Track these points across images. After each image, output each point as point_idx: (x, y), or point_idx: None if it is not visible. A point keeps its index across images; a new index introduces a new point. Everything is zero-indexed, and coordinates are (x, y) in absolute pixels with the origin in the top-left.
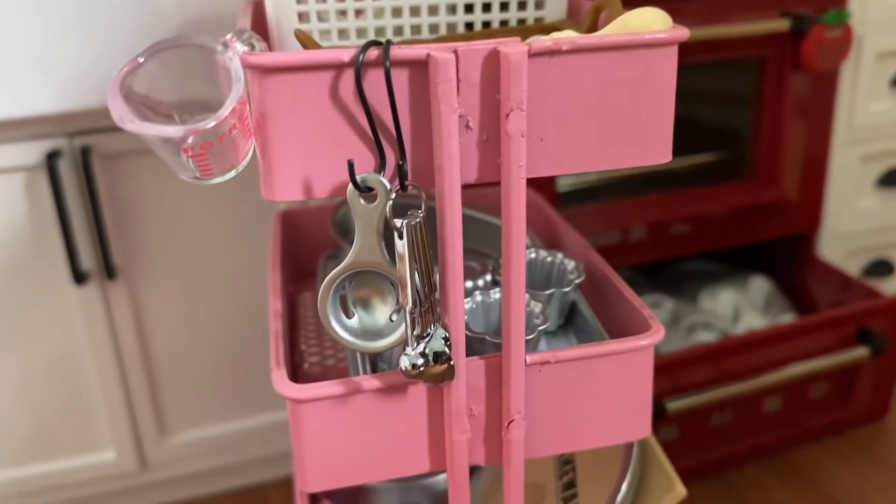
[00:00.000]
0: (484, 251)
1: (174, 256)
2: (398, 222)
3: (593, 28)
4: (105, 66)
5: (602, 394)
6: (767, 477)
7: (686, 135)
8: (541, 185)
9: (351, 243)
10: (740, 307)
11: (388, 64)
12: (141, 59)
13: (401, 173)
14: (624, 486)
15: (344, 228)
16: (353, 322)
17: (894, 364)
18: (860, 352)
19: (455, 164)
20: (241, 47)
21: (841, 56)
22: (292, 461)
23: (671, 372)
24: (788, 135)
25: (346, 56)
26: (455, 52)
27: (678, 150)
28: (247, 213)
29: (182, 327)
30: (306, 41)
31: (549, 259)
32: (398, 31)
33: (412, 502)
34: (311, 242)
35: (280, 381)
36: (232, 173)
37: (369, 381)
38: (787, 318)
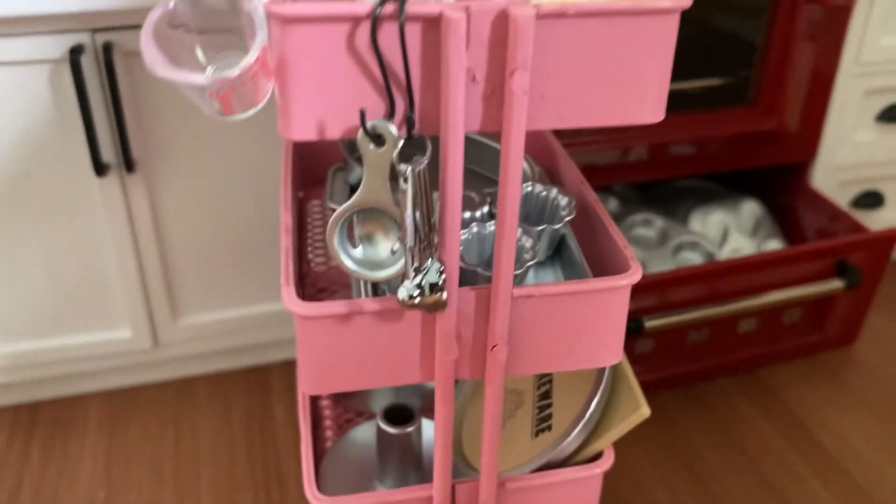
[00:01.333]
0: (486, 174)
1: (191, 152)
2: (404, 167)
3: None
4: None
5: (579, 325)
6: (735, 391)
7: (694, 58)
8: None
9: (358, 159)
10: (729, 229)
11: (402, 19)
12: (171, 4)
13: (409, 124)
14: (593, 404)
15: (352, 145)
16: (358, 253)
17: (868, 295)
18: (836, 284)
19: (460, 117)
20: None
21: None
22: (295, 347)
23: (652, 291)
24: (795, 65)
25: (363, 10)
26: (467, 10)
27: (685, 72)
28: (263, 116)
29: (196, 219)
30: None
31: (543, 194)
32: None
33: (403, 399)
34: (322, 151)
35: (290, 298)
36: (252, 111)
37: (370, 304)
38: (774, 243)
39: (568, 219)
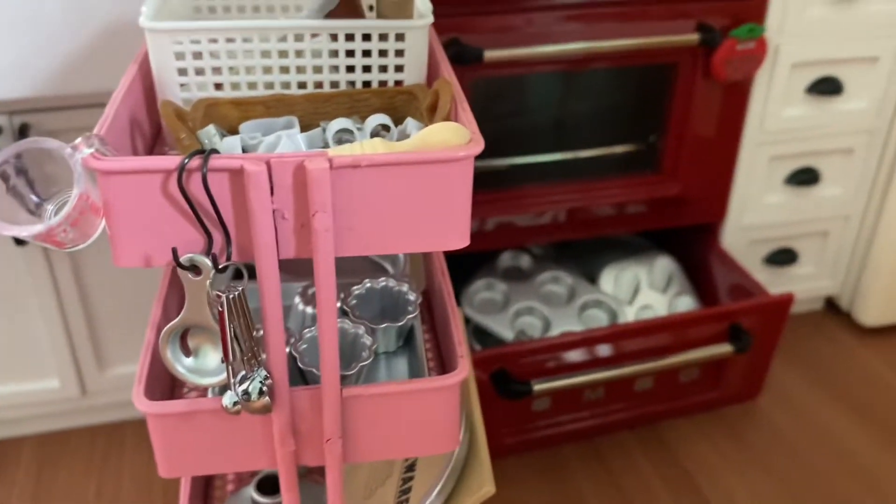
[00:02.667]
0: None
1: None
2: (220, 295)
3: (434, 105)
4: (36, 61)
5: (410, 419)
6: (634, 446)
7: (605, 127)
8: None
9: None
10: (641, 284)
11: (205, 171)
12: (6, 156)
13: (227, 256)
14: (441, 481)
15: None
16: (190, 362)
17: (763, 354)
18: (726, 348)
19: (270, 249)
20: (87, 150)
21: (753, 67)
22: None
23: (543, 354)
24: (695, 135)
25: (171, 164)
26: (268, 163)
27: (600, 140)
28: None
29: (117, 280)
30: (170, 119)
31: (395, 289)
32: (269, 85)
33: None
34: None
35: (137, 398)
36: (87, 242)
37: (208, 403)
38: (685, 299)
39: (412, 315)
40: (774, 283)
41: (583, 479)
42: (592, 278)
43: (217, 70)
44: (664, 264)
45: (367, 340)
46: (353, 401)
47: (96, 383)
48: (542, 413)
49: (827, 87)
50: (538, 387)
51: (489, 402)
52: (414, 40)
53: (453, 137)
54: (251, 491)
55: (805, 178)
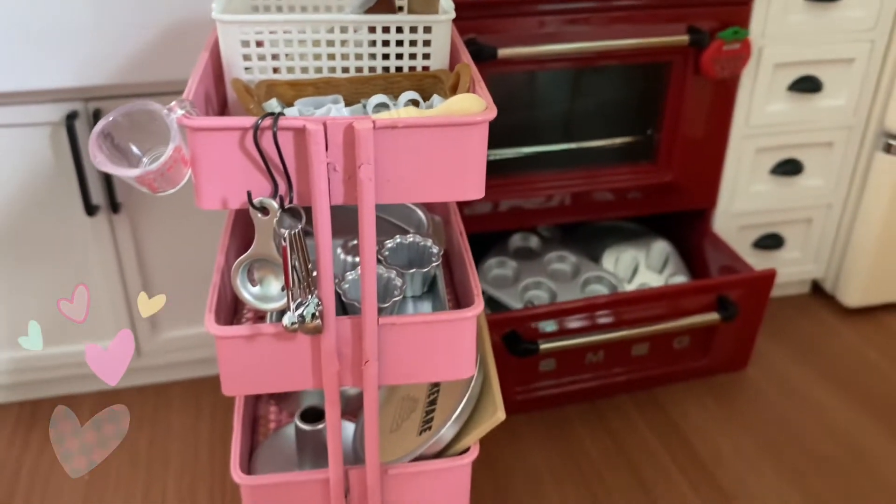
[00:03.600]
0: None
1: (167, 197)
2: (283, 231)
3: (455, 85)
4: (111, 52)
5: (434, 346)
6: (631, 408)
7: (607, 121)
8: None
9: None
10: (639, 265)
11: (275, 129)
12: (110, 117)
13: (282, 203)
14: (458, 409)
15: None
16: (256, 290)
17: (749, 325)
18: (713, 316)
19: (324, 196)
20: (179, 111)
21: (739, 66)
22: None
23: (552, 318)
24: (687, 128)
25: (248, 123)
26: (324, 124)
27: (598, 133)
28: None
29: (173, 248)
30: (240, 91)
31: (421, 244)
32: (318, 70)
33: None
34: None
35: (209, 323)
36: (175, 188)
37: (268, 328)
38: (680, 279)
39: (435, 264)
40: (763, 266)
41: (585, 436)
42: (595, 260)
43: (275, 56)
44: (661, 247)
45: (398, 282)
46: (388, 329)
47: (149, 345)
48: (548, 374)
49: (807, 85)
50: (544, 346)
51: (501, 362)
52: (439, 32)
53: (472, 106)
54: (296, 420)
55: (789, 168)
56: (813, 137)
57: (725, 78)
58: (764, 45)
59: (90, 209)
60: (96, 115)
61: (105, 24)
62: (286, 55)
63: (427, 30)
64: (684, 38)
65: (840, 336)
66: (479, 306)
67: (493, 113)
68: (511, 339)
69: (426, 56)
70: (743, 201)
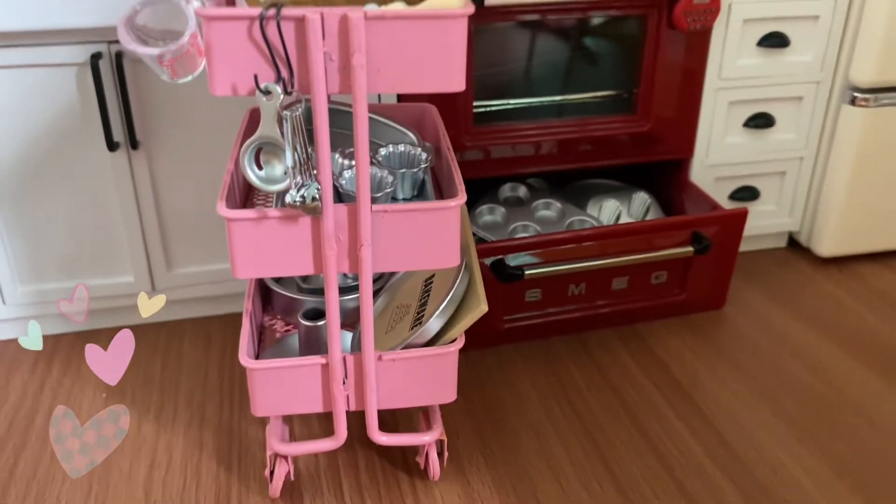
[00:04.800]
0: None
1: (182, 134)
2: (285, 113)
3: None
4: None
5: (422, 235)
6: (615, 341)
7: (591, 75)
8: (456, 108)
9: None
10: (621, 213)
11: (279, 18)
12: (137, 7)
13: (284, 87)
14: (444, 303)
15: None
16: (261, 172)
17: (724, 262)
18: (688, 249)
19: (321, 82)
20: (196, 3)
21: (709, 20)
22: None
23: (536, 248)
24: (664, 80)
25: (255, 12)
26: (321, 14)
27: (584, 86)
28: (231, 108)
29: (187, 187)
30: None
31: (411, 151)
32: None
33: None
34: None
35: (221, 207)
36: (191, 76)
37: (273, 212)
38: None
39: (423, 166)
40: None
41: (570, 362)
42: (580, 209)
43: None
44: (642, 197)
45: (390, 179)
46: (380, 216)
47: (164, 280)
48: (534, 304)
49: (775, 41)
50: (529, 272)
51: (489, 289)
52: None
53: (452, 2)
54: (299, 318)
55: (761, 122)
56: (783, 92)
57: (697, 31)
58: (733, 2)
59: (111, 145)
60: (118, 57)
61: None
62: None
63: None
64: None
65: (814, 282)
66: (461, 198)
67: (471, 9)
68: (498, 265)
69: None
70: (718, 153)
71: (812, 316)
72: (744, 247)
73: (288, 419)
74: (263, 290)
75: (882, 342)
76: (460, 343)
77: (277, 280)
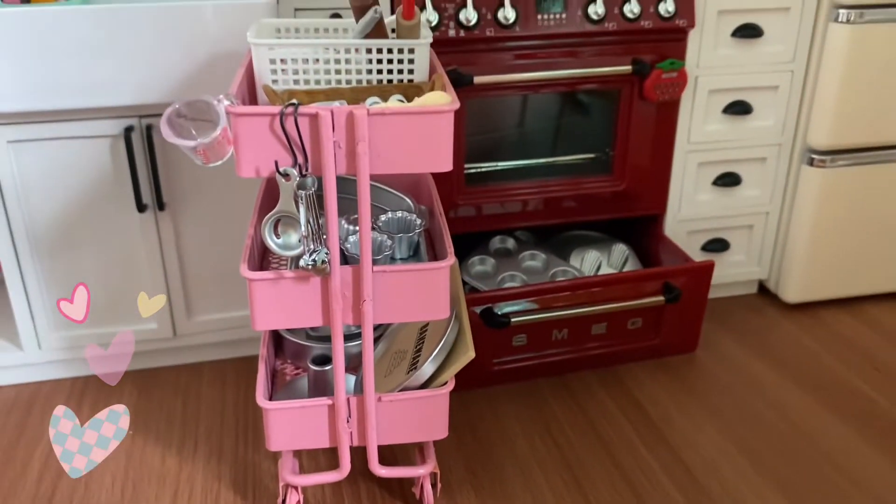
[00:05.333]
0: (380, 206)
1: (203, 197)
2: (300, 192)
3: (432, 89)
4: (162, 77)
5: (416, 291)
6: (595, 382)
7: (571, 139)
8: (450, 171)
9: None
10: (602, 264)
11: (296, 117)
12: (177, 105)
13: (300, 171)
14: (436, 351)
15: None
16: (280, 240)
17: (694, 309)
18: (659, 299)
19: (331, 166)
20: (226, 102)
21: (677, 92)
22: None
23: (521, 298)
24: (635, 145)
25: (276, 110)
26: (332, 111)
27: (564, 149)
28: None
29: (207, 243)
30: (269, 93)
31: (407, 217)
32: (328, 81)
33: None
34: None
35: (243, 268)
36: (220, 161)
37: (288, 273)
38: None
39: (418, 230)
40: None
41: (554, 404)
42: (563, 260)
43: (295, 71)
44: (620, 249)
45: (389, 242)
46: (380, 276)
47: (185, 327)
48: (521, 348)
49: (739, 108)
50: (515, 319)
51: (479, 334)
52: (420, 53)
53: (441, 100)
54: (308, 364)
55: (728, 180)
56: (747, 153)
57: (666, 101)
58: (699, 74)
59: (140, 207)
60: (149, 130)
61: (158, 55)
62: (303, 70)
63: (411, 51)
64: (628, 67)
65: (781, 327)
66: (450, 260)
67: (456, 105)
68: (487, 313)
69: (410, 71)
70: (690, 209)
71: (777, 358)
72: (716, 293)
73: (298, 454)
74: (276, 338)
75: (839, 382)
76: (450, 386)
77: (289, 329)
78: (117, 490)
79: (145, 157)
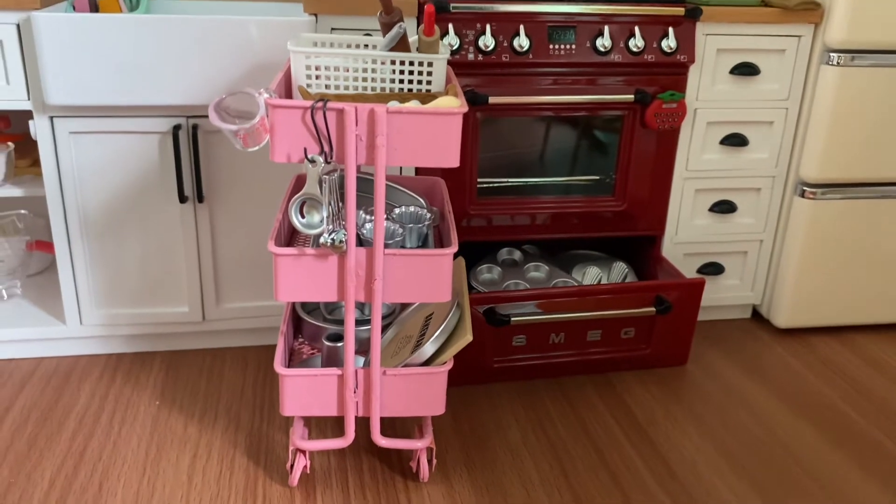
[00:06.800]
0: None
1: (239, 192)
2: (324, 177)
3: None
4: (209, 82)
5: (422, 275)
6: (588, 385)
7: (581, 162)
8: (463, 182)
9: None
10: (602, 280)
11: (325, 111)
12: (223, 96)
13: (325, 158)
14: (438, 331)
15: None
16: (304, 220)
17: (685, 323)
18: (650, 309)
19: (352, 157)
20: (266, 95)
21: (676, 121)
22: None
23: (524, 301)
24: (636, 169)
25: (307, 104)
26: (356, 108)
27: (569, 171)
28: (279, 174)
29: (240, 235)
30: (303, 92)
31: (419, 212)
32: (356, 88)
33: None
34: None
35: (270, 244)
36: (257, 147)
37: (309, 251)
38: None
39: (427, 223)
40: (707, 290)
41: (548, 402)
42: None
43: (327, 77)
44: (620, 267)
45: (400, 231)
46: (390, 258)
47: (213, 313)
48: (520, 348)
49: (735, 140)
50: (515, 319)
51: (481, 333)
52: (438, 66)
53: (453, 103)
54: (323, 340)
55: (724, 208)
56: (743, 183)
57: (666, 130)
58: (698, 107)
59: (182, 198)
60: (195, 129)
61: (206, 63)
62: (334, 77)
63: (430, 64)
64: (630, 96)
65: (770, 349)
66: (453, 248)
67: (465, 108)
68: (490, 312)
69: (429, 82)
70: (686, 232)
71: (763, 375)
72: (711, 315)
73: (308, 425)
74: (296, 320)
75: (820, 400)
76: (449, 365)
77: (308, 311)
78: (142, 450)
79: (189, 153)
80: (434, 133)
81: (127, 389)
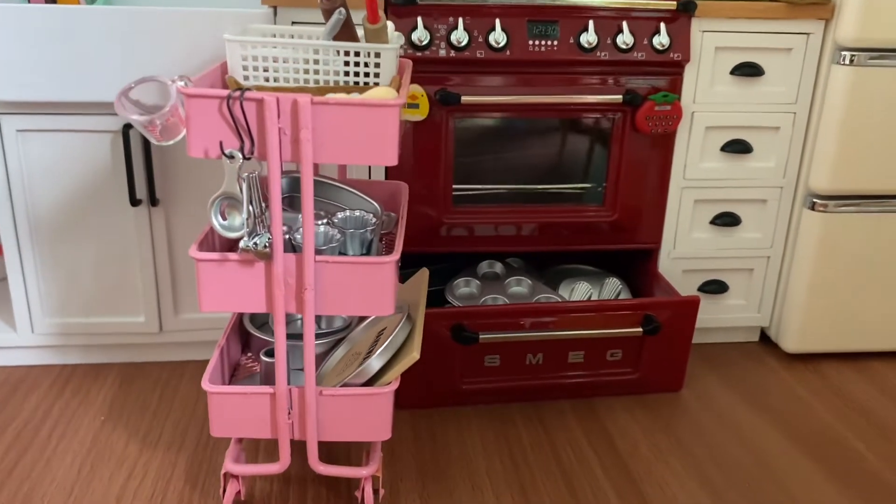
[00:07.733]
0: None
1: (194, 194)
2: (243, 175)
3: (395, 90)
4: None
5: (360, 285)
6: (568, 411)
7: (568, 170)
8: (437, 189)
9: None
10: (592, 297)
11: (242, 101)
12: (132, 84)
13: (245, 154)
14: (381, 348)
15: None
16: (225, 222)
17: (678, 346)
18: (637, 329)
19: (276, 151)
20: (179, 83)
21: (671, 125)
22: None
23: (493, 318)
24: (627, 176)
25: (224, 94)
26: (277, 98)
27: (554, 178)
28: None
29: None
30: (231, 83)
31: (364, 216)
32: (296, 80)
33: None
34: None
35: (193, 249)
36: (173, 141)
37: (232, 256)
38: None
39: (371, 228)
40: (710, 310)
41: (522, 427)
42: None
43: (265, 69)
44: (614, 283)
45: (338, 236)
46: (322, 266)
47: (171, 323)
48: (493, 369)
49: (738, 147)
50: (484, 337)
51: (449, 351)
52: (387, 57)
53: (387, 95)
54: (261, 356)
55: (727, 220)
56: (747, 194)
57: (660, 134)
58: (695, 110)
59: (134, 201)
60: None
61: (159, 56)
62: (273, 69)
63: (377, 55)
64: (619, 97)
65: (776, 375)
66: (395, 256)
67: (401, 101)
68: (457, 329)
69: (377, 75)
70: (685, 246)
71: (765, 405)
72: (715, 338)
73: (253, 448)
74: (244, 334)
75: (827, 434)
76: (394, 385)
77: (260, 325)
78: (75, 468)
79: (142, 154)
80: (366, 127)
81: (74, 402)
